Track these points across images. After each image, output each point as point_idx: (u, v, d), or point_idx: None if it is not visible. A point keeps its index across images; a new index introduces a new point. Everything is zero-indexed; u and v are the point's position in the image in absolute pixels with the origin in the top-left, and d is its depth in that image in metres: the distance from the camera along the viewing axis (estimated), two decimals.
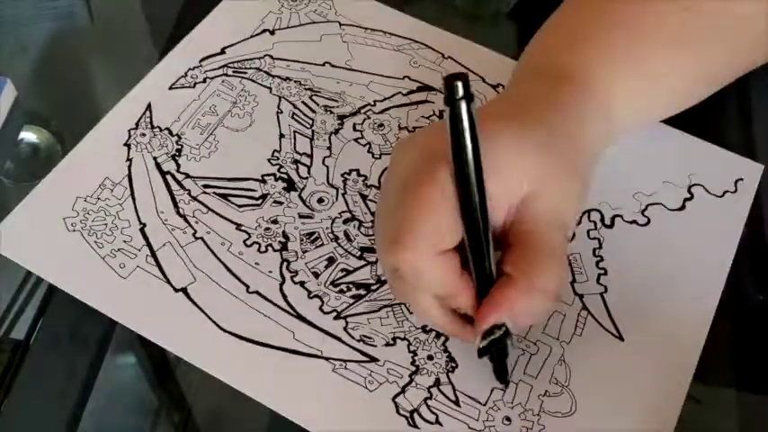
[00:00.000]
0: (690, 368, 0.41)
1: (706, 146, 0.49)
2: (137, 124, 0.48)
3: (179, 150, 0.48)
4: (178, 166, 0.47)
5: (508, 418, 0.40)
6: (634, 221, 0.46)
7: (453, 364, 0.41)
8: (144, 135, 0.48)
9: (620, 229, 0.46)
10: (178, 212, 0.45)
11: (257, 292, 0.43)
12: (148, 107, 0.49)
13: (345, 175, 0.47)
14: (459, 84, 0.32)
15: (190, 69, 0.51)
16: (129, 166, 0.47)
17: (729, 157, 0.49)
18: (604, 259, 0.45)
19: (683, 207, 0.47)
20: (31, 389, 0.40)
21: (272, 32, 0.53)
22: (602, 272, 0.45)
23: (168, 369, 0.44)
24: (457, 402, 0.40)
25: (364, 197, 0.46)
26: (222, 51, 0.52)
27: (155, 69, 0.51)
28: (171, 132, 0.48)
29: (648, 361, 0.41)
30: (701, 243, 0.46)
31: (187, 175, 0.47)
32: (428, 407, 0.40)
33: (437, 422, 0.39)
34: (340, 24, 0.54)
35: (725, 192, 0.48)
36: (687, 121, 0.48)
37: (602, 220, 0.46)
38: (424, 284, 0.36)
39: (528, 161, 0.36)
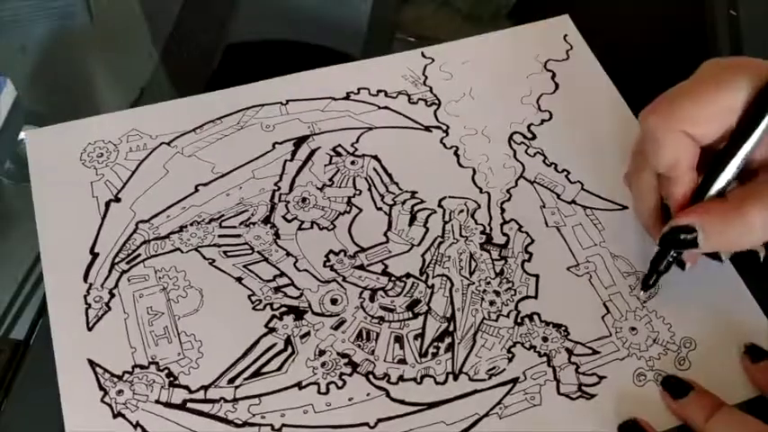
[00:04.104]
0: None
1: None
2: (100, 386, 0.40)
3: (170, 375, 0.40)
4: (187, 388, 0.40)
5: (633, 328, 0.43)
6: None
7: (565, 331, 0.42)
8: (121, 392, 0.39)
9: None
10: (225, 420, 0.39)
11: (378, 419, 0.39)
12: (91, 364, 0.40)
13: (326, 263, 0.44)
14: None
15: (84, 296, 0.42)
16: (126, 418, 0.39)
17: None
18: None
19: None
20: (31, 389, 0.40)
21: (117, 200, 0.45)
22: None
23: None
24: (595, 351, 0.42)
25: (361, 266, 0.44)
26: (94, 254, 0.43)
27: (54, 326, 0.41)
28: (142, 366, 0.40)
29: None
30: None
31: (203, 387, 0.40)
32: (584, 374, 0.41)
33: (601, 378, 0.41)
34: (168, 144, 0.48)
35: None
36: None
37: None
38: (655, 154, 0.38)
39: None
